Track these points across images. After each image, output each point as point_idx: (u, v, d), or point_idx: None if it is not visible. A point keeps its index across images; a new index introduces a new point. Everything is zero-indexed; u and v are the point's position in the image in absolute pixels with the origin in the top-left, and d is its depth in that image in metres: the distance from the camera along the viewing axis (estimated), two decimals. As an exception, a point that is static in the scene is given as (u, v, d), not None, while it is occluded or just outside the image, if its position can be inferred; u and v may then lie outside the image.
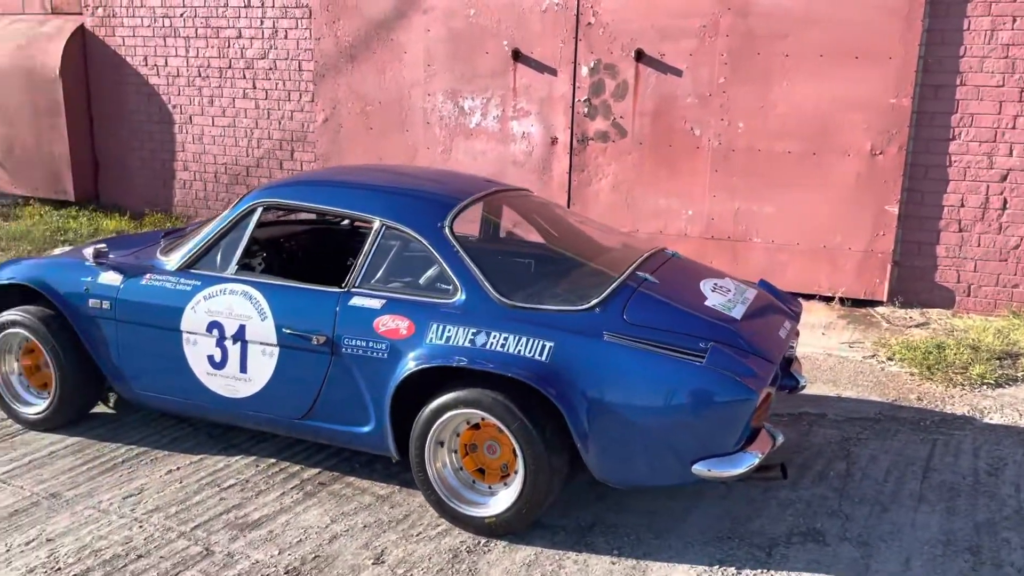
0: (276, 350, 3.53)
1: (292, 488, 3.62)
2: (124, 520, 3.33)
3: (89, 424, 4.16)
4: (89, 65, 9.05)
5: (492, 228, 4.18)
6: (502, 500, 3.22)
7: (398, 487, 3.61)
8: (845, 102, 6.20)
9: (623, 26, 6.71)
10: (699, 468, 3.03)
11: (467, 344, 3.20)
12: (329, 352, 3.42)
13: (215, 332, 3.62)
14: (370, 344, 3.35)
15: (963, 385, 4.82)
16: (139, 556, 3.09)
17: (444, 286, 3.39)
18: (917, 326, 5.93)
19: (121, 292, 3.83)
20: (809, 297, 6.47)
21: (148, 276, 3.82)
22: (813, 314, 6.18)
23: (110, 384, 4.01)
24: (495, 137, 7.32)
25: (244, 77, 8.33)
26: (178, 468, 3.78)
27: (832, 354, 5.41)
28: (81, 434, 4.06)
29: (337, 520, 3.37)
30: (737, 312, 3.43)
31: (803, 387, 3.86)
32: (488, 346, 3.17)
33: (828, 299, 6.48)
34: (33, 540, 3.18)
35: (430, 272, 3.48)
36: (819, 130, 6.31)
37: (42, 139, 9.09)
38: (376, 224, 3.53)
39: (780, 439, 3.25)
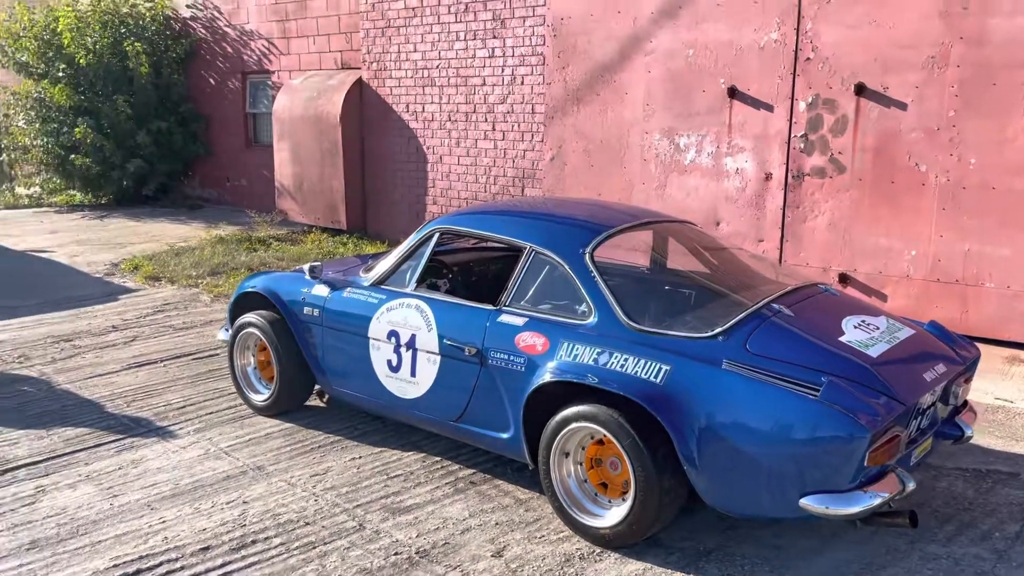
0: (438, 358, 3.97)
1: (446, 483, 4.02)
2: (305, 494, 3.93)
3: (302, 414, 4.89)
4: (364, 112, 10.40)
5: (653, 257, 4.35)
6: (616, 514, 3.37)
7: (537, 494, 3.88)
8: (1098, 134, 5.53)
9: (843, 60, 6.51)
10: (807, 502, 2.99)
11: (590, 363, 3.41)
12: (479, 363, 3.80)
13: (393, 340, 4.16)
14: (511, 357, 3.68)
15: None
16: (306, 523, 3.65)
17: (580, 308, 3.64)
18: None
19: (328, 302, 4.51)
20: (1053, 351, 5.80)
21: (349, 289, 4.47)
22: (1050, 369, 5.54)
23: (316, 380, 4.71)
24: (708, 173, 7.37)
25: (486, 120, 9.13)
26: (360, 457, 4.35)
27: (1057, 414, 4.84)
28: (294, 421, 4.80)
29: (475, 515, 3.71)
30: (875, 350, 3.30)
31: (968, 438, 3.58)
32: (608, 365, 3.36)
33: (1076, 355, 5.75)
34: (233, 500, 3.87)
35: (569, 294, 3.74)
36: (1066, 165, 5.67)
37: (324, 176, 10.57)
38: (526, 249, 3.87)
39: (911, 485, 3.08)
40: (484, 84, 9.07)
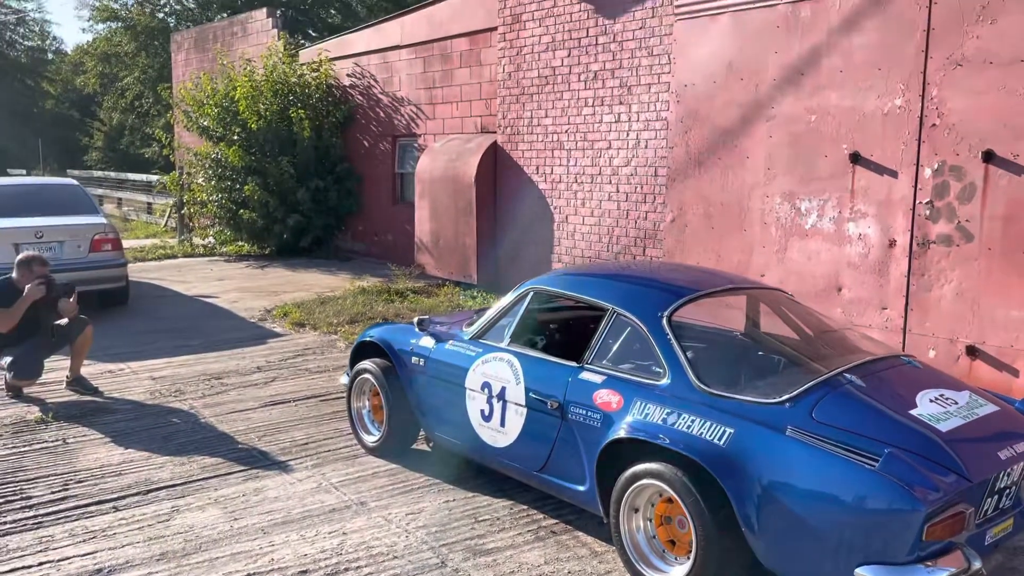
0: (524, 410, 4.23)
1: (528, 531, 4.24)
2: (398, 530, 4.25)
3: (409, 456, 5.25)
4: (497, 173, 10.95)
5: (741, 323, 4.45)
6: (679, 571, 3.48)
7: (612, 548, 4.01)
8: None
9: (970, 126, 6.36)
10: (863, 571, 3.00)
11: (659, 422, 3.57)
12: (560, 416, 4.03)
13: (486, 390, 4.45)
14: (588, 413, 3.89)
15: None
16: (395, 557, 3.97)
17: (656, 369, 3.81)
18: None
19: (432, 353, 4.88)
20: None
21: (451, 342, 4.82)
22: None
23: (420, 424, 5.06)
24: (830, 238, 7.30)
25: (610, 182, 9.41)
26: (454, 500, 4.63)
27: None
28: (399, 462, 5.16)
29: (549, 562, 3.90)
30: (947, 425, 3.28)
31: (1057, 522, 3.43)
32: (676, 426, 3.51)
33: None
34: (335, 531, 4.24)
35: (646, 355, 3.91)
36: None
37: (458, 233, 11.17)
38: (609, 310, 4.09)
39: (976, 564, 3.02)
40: (610, 148, 9.38)
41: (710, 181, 8.23)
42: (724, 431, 3.37)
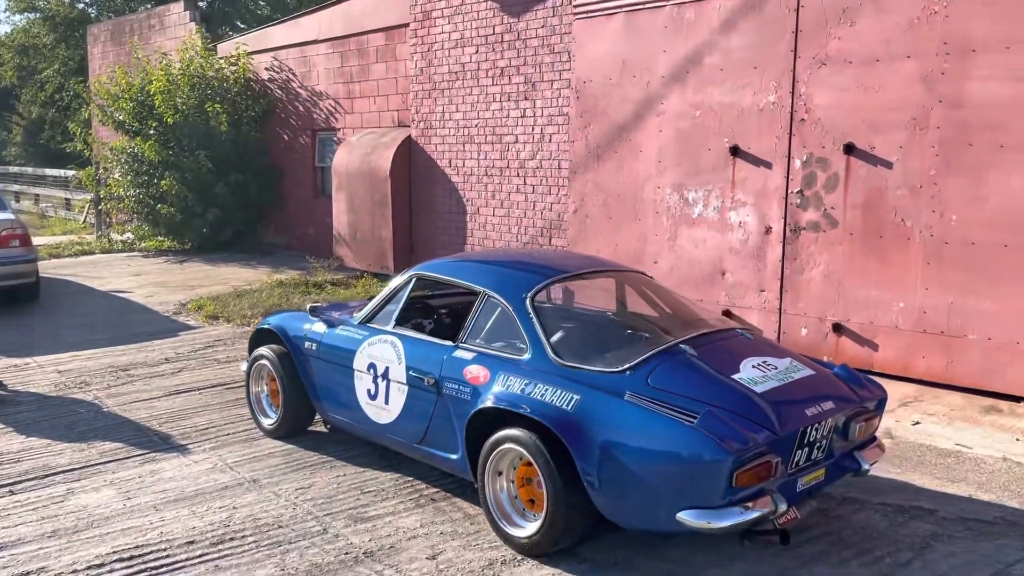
0: (406, 388, 4.54)
1: (410, 499, 4.55)
2: (286, 503, 4.52)
3: (306, 437, 5.51)
4: (412, 167, 11.21)
5: (618, 302, 4.86)
6: (534, 526, 3.83)
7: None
8: (1069, 192, 5.73)
9: (834, 121, 6.88)
10: (683, 516, 3.40)
11: (518, 392, 3.92)
12: (436, 392, 4.35)
13: (372, 371, 4.75)
14: (460, 387, 4.22)
15: None
16: (279, 526, 4.24)
17: (520, 345, 4.15)
18: None
19: (323, 337, 5.15)
20: (1036, 402, 5.94)
21: (341, 327, 5.10)
22: (1023, 419, 5.69)
23: (314, 406, 5.33)
24: (715, 226, 7.77)
25: (518, 175, 9.77)
26: (344, 475, 4.92)
27: (1008, 459, 5.02)
28: (295, 443, 5.42)
29: (425, 525, 4.23)
30: (764, 386, 3.70)
31: (865, 472, 3.92)
32: (532, 395, 3.86)
33: (1058, 406, 5.86)
34: (226, 506, 4.49)
35: (512, 333, 4.25)
36: (1040, 222, 5.87)
37: (375, 225, 11.40)
38: (480, 293, 4.43)
39: (782, 507, 3.45)
40: (516, 141, 9.73)
41: (607, 173, 8.64)
42: (572, 398, 3.73)
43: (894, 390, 6.36)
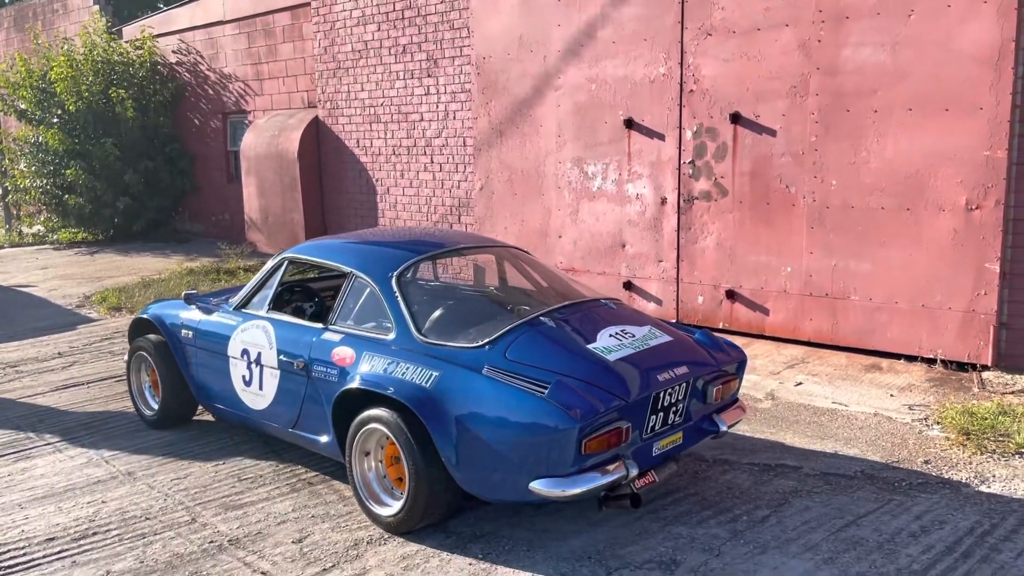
0: (278, 372, 4.48)
1: (286, 484, 4.52)
2: (159, 495, 4.45)
3: (190, 427, 5.42)
4: (321, 148, 11.05)
5: (499, 277, 4.86)
6: (399, 504, 3.84)
7: (360, 492, 4.34)
8: (937, 156, 5.90)
9: (720, 91, 6.96)
10: (535, 486, 3.43)
11: (382, 372, 3.90)
12: (306, 375, 4.30)
13: (245, 357, 4.68)
14: (327, 369, 4.18)
15: (993, 453, 4.44)
16: (147, 518, 4.17)
17: (386, 324, 4.13)
18: (1012, 393, 5.41)
19: (199, 324, 5.05)
20: (912, 359, 6.14)
21: (216, 314, 5.01)
22: (900, 376, 5.89)
23: (193, 395, 5.24)
24: (614, 199, 7.83)
25: (425, 153, 9.70)
26: (223, 463, 4.86)
27: (879, 414, 5.19)
28: (179, 433, 5.33)
29: (297, 510, 4.20)
30: (617, 355, 3.74)
31: (723, 433, 4.00)
32: (394, 374, 3.84)
33: (932, 361, 6.07)
34: (94, 500, 4.40)
35: (378, 313, 4.22)
36: (912, 185, 6.04)
37: (286, 208, 11.22)
38: (349, 274, 4.39)
39: (633, 472, 3.50)
40: (422, 120, 9.65)
41: (510, 149, 8.63)
42: (431, 375, 3.73)
43: (784, 353, 6.54)
